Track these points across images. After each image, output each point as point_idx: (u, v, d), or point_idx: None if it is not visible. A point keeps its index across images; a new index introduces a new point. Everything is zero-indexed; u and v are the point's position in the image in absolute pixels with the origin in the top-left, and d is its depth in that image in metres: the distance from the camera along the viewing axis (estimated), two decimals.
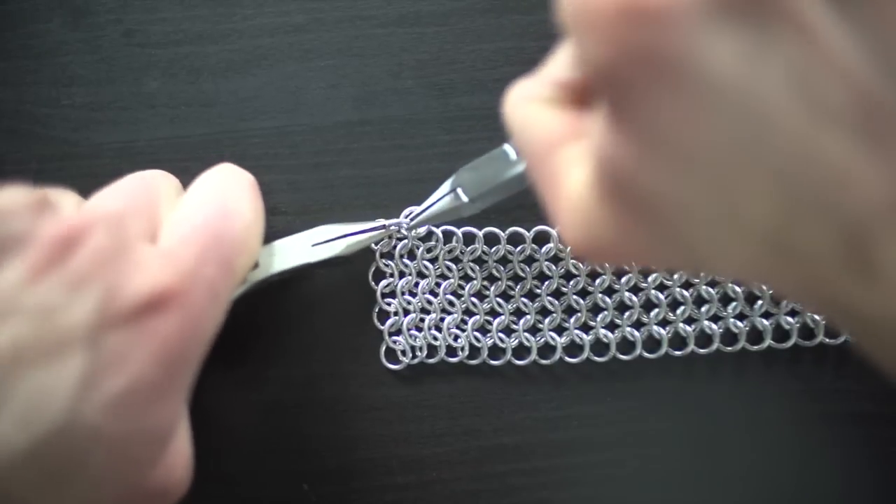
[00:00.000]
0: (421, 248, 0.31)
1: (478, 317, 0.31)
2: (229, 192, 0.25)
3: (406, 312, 0.32)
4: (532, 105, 0.21)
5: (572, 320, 0.31)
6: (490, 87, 0.31)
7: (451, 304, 0.31)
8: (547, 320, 0.31)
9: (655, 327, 0.31)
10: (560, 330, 0.31)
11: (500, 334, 0.31)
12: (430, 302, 0.31)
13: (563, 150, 0.19)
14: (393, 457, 0.31)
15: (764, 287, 0.31)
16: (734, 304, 0.31)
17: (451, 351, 0.31)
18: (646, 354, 0.31)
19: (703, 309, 0.31)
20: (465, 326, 0.31)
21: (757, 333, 0.31)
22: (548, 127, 0.20)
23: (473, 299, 0.31)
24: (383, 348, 0.31)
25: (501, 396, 0.32)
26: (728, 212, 0.16)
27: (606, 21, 0.15)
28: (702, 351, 0.31)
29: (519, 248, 0.31)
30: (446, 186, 0.28)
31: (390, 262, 0.31)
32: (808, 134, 0.14)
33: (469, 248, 0.31)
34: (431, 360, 0.31)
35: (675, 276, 0.31)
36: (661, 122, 0.15)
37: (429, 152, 0.31)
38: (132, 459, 0.21)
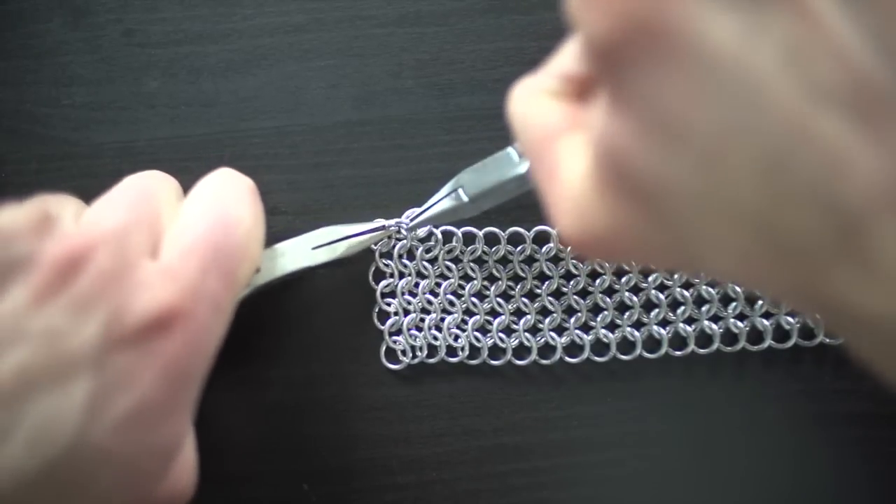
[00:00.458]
0: (420, 249, 0.31)
1: (478, 317, 0.31)
2: (229, 199, 0.24)
3: (406, 312, 0.32)
4: (535, 97, 0.21)
5: (572, 320, 0.31)
6: (490, 87, 0.31)
7: (452, 304, 0.31)
8: (547, 320, 0.31)
9: (655, 327, 0.31)
10: (560, 330, 0.31)
11: (501, 334, 0.31)
12: (430, 302, 0.31)
13: (562, 140, 0.20)
14: (393, 457, 0.31)
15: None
16: (734, 304, 0.31)
17: (452, 351, 0.31)
18: (646, 354, 0.31)
19: (704, 309, 0.31)
20: (465, 326, 0.31)
21: (757, 333, 0.31)
22: (549, 117, 0.20)
23: (474, 299, 0.31)
24: (383, 348, 0.31)
25: (501, 396, 0.32)
26: (719, 193, 0.16)
27: None
28: (702, 351, 0.31)
29: (519, 248, 0.31)
30: (448, 187, 0.28)
31: (390, 263, 0.31)
32: (801, 112, 0.14)
33: (469, 248, 0.31)
34: (431, 360, 0.31)
35: (676, 277, 0.31)
36: (659, 99, 0.15)
37: (429, 152, 0.31)
38: (140, 476, 0.21)
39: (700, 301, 0.31)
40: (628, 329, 0.31)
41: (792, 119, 0.14)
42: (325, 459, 0.31)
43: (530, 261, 0.31)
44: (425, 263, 0.31)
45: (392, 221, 0.30)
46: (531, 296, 0.31)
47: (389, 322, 0.31)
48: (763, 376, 0.31)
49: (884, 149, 0.14)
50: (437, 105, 0.31)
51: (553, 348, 0.31)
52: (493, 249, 0.31)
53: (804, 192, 0.15)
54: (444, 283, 0.31)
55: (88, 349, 0.20)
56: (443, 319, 0.31)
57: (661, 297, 0.31)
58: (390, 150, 0.31)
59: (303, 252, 0.29)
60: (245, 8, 0.32)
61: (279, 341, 0.31)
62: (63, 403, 0.19)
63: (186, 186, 0.26)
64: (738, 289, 0.31)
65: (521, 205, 0.30)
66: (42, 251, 0.20)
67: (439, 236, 0.31)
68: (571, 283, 0.31)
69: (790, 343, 0.31)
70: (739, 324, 0.31)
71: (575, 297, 0.31)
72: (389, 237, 0.31)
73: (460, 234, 0.31)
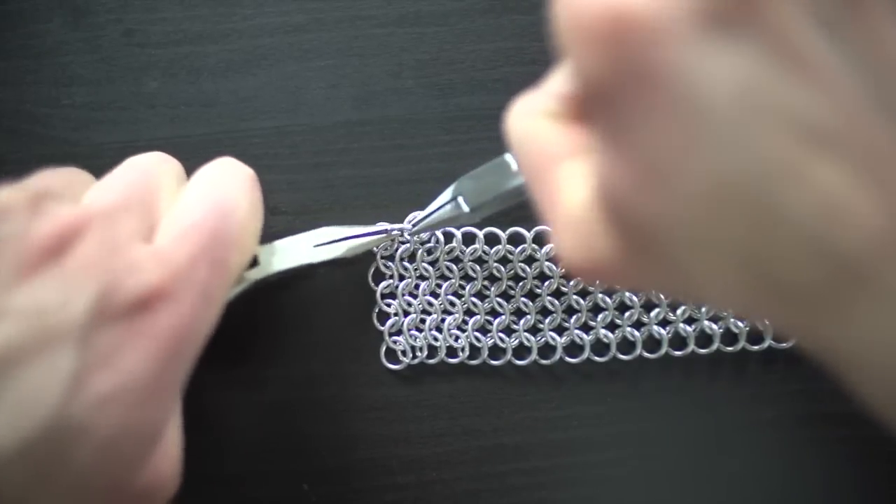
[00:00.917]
0: (421, 250, 0.31)
1: (478, 317, 0.31)
2: (227, 188, 0.25)
3: (406, 313, 0.32)
4: (534, 118, 0.20)
5: (572, 320, 0.31)
6: (490, 87, 0.31)
7: (452, 304, 0.31)
8: (547, 320, 0.31)
9: (655, 327, 0.31)
10: (560, 330, 0.31)
11: (501, 334, 0.31)
12: (430, 303, 0.31)
13: (563, 165, 0.19)
14: (393, 457, 0.31)
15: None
16: None
17: (452, 351, 0.31)
18: (646, 354, 0.31)
19: (704, 309, 0.31)
20: (465, 326, 0.31)
21: (757, 333, 0.31)
22: (548, 141, 0.20)
23: (474, 299, 0.31)
24: (383, 348, 0.31)
25: (501, 396, 0.32)
26: (714, 237, 0.15)
27: (596, 35, 0.15)
28: (702, 351, 0.31)
29: (519, 249, 0.31)
30: (447, 194, 0.28)
31: (391, 264, 0.31)
32: (796, 158, 0.14)
33: (469, 248, 0.31)
34: (432, 361, 0.31)
35: None
36: (652, 145, 0.15)
37: (429, 152, 0.31)
38: (120, 459, 0.21)
39: None
40: (628, 329, 0.31)
41: (786, 165, 0.14)
42: (325, 459, 0.31)
43: (530, 261, 0.31)
44: (426, 265, 0.31)
45: (396, 226, 0.30)
46: (531, 296, 0.31)
47: (389, 322, 0.31)
48: (763, 376, 0.31)
49: (884, 194, 0.14)
50: (437, 105, 0.31)
51: (553, 348, 0.31)
52: (494, 249, 0.31)
53: (800, 238, 0.14)
54: (445, 284, 0.31)
55: (73, 326, 0.20)
56: (443, 320, 0.31)
57: (662, 296, 0.31)
58: (390, 150, 0.31)
59: (303, 249, 0.29)
60: (245, 8, 0.32)
61: (279, 341, 0.31)
62: (45, 378, 0.19)
63: None
64: None
65: (522, 205, 0.30)
66: (34, 228, 0.20)
67: (440, 237, 0.31)
68: (571, 282, 0.31)
69: (790, 343, 0.31)
70: (739, 324, 0.31)
71: (575, 296, 0.31)
72: (392, 241, 0.31)
73: (460, 235, 0.31)
